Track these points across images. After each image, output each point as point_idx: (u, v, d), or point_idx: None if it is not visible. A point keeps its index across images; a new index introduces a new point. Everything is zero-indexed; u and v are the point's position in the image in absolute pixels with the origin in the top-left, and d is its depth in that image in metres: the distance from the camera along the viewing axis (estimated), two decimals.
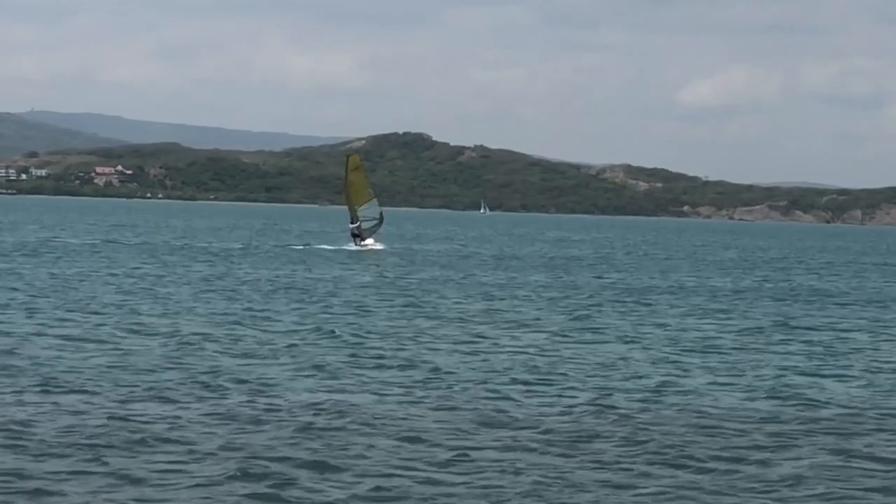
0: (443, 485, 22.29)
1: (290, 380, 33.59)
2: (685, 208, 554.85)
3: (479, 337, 45.62)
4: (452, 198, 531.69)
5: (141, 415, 27.74)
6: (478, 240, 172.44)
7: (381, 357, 38.77)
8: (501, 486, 22.21)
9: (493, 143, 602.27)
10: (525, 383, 34.17)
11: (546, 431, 27.22)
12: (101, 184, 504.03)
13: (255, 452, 24.15)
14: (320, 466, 23.29)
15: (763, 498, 22.24)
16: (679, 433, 27.49)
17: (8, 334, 41.34)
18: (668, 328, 51.40)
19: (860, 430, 28.87)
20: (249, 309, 53.66)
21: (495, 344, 43.56)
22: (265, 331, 45.38)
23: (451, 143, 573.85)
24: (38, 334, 41.69)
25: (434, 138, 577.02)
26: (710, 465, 24.50)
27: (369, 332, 45.80)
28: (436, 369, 36.31)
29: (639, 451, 25.40)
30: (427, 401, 30.91)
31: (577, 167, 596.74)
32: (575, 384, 34.45)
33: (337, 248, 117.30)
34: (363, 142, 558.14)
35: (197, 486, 21.74)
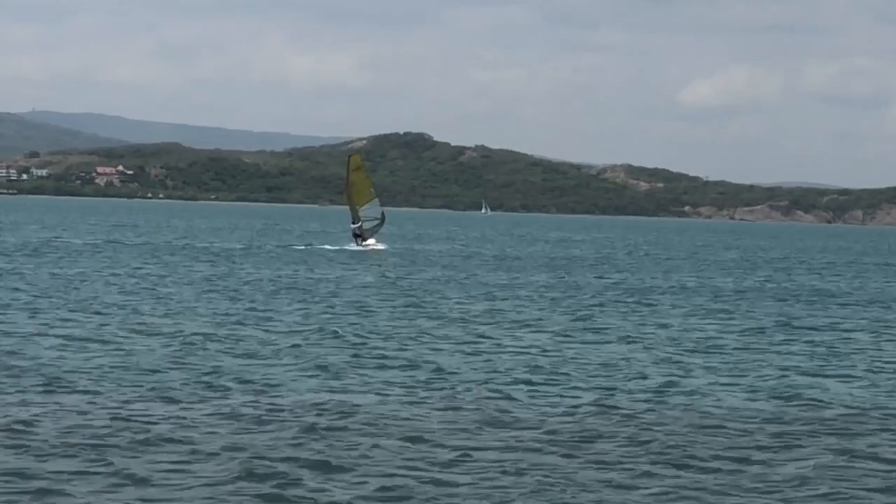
0: (446, 485, 22.30)
1: (292, 380, 33.59)
2: (686, 208, 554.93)
3: (482, 337, 45.60)
4: (453, 198, 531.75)
5: (144, 415, 27.74)
6: (479, 240, 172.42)
7: (383, 357, 38.76)
8: (504, 486, 22.22)
9: (493, 143, 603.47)
10: (528, 383, 34.15)
11: (549, 431, 27.22)
12: (102, 184, 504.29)
13: (259, 452, 24.16)
14: (324, 466, 23.30)
15: (767, 498, 22.24)
16: (682, 433, 27.49)
17: (10, 334, 41.34)
18: (671, 328, 51.38)
19: (863, 430, 28.87)
20: (252, 309, 53.66)
21: (498, 344, 43.54)
22: (267, 331, 45.37)
23: (452, 143, 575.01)
24: (41, 334, 41.68)
25: (435, 138, 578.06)
26: (714, 465, 24.50)
27: (371, 333, 45.78)
28: (438, 369, 36.32)
29: (642, 452, 25.40)
30: (430, 401, 30.92)
31: (577, 167, 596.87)
32: (578, 384, 34.45)
33: (339, 248, 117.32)
34: (364, 142, 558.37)
35: (201, 486, 21.75)
